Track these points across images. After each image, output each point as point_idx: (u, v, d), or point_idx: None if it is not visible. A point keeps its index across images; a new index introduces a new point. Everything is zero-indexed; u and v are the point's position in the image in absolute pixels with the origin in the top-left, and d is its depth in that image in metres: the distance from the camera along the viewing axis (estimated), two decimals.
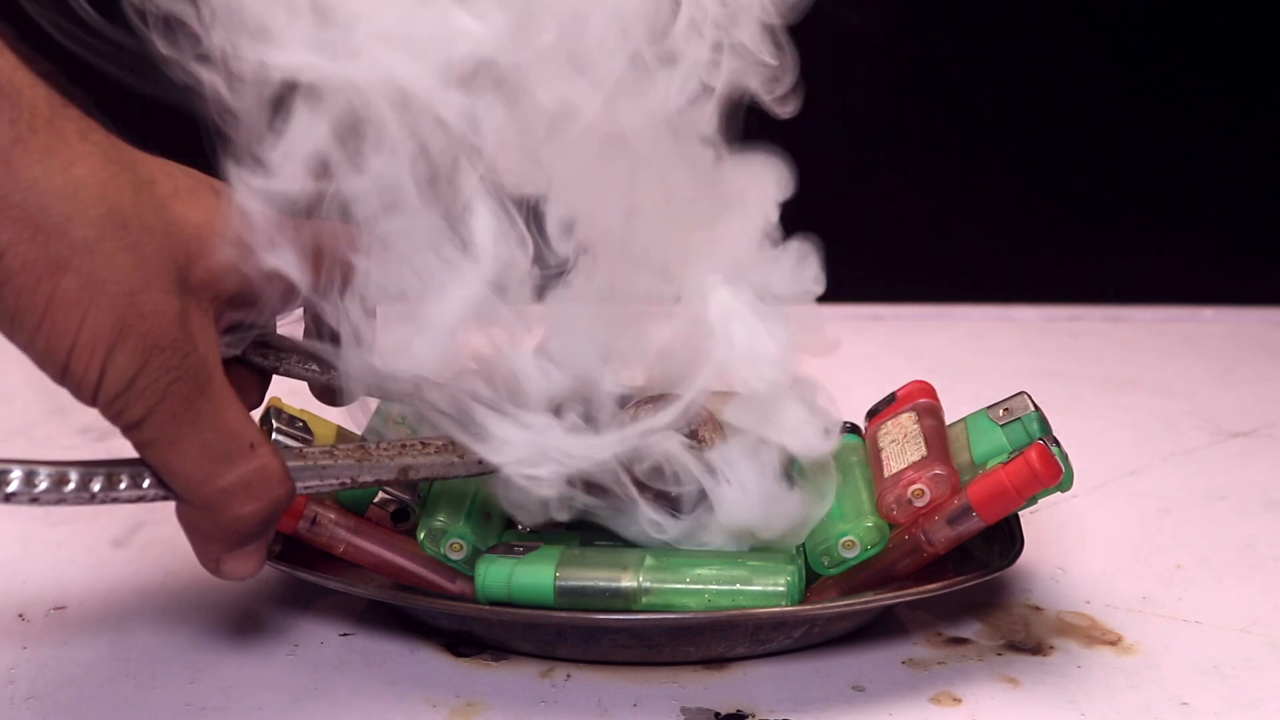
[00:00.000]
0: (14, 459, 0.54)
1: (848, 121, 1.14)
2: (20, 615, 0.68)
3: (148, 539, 0.75)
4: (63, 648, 0.65)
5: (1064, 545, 0.75)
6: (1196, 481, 0.84)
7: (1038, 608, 0.69)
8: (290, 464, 0.58)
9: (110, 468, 0.55)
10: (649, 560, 0.63)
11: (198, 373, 0.54)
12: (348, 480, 0.60)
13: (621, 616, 0.62)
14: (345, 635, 0.66)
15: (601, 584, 0.62)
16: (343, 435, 0.69)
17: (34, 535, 0.76)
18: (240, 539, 0.56)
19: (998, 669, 0.64)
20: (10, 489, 0.54)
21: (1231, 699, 0.62)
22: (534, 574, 0.62)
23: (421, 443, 0.62)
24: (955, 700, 0.62)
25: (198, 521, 0.56)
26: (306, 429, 0.68)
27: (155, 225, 0.53)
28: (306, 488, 0.59)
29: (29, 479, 0.54)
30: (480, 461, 0.62)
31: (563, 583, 0.62)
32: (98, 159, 0.52)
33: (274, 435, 0.67)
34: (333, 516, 0.65)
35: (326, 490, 0.60)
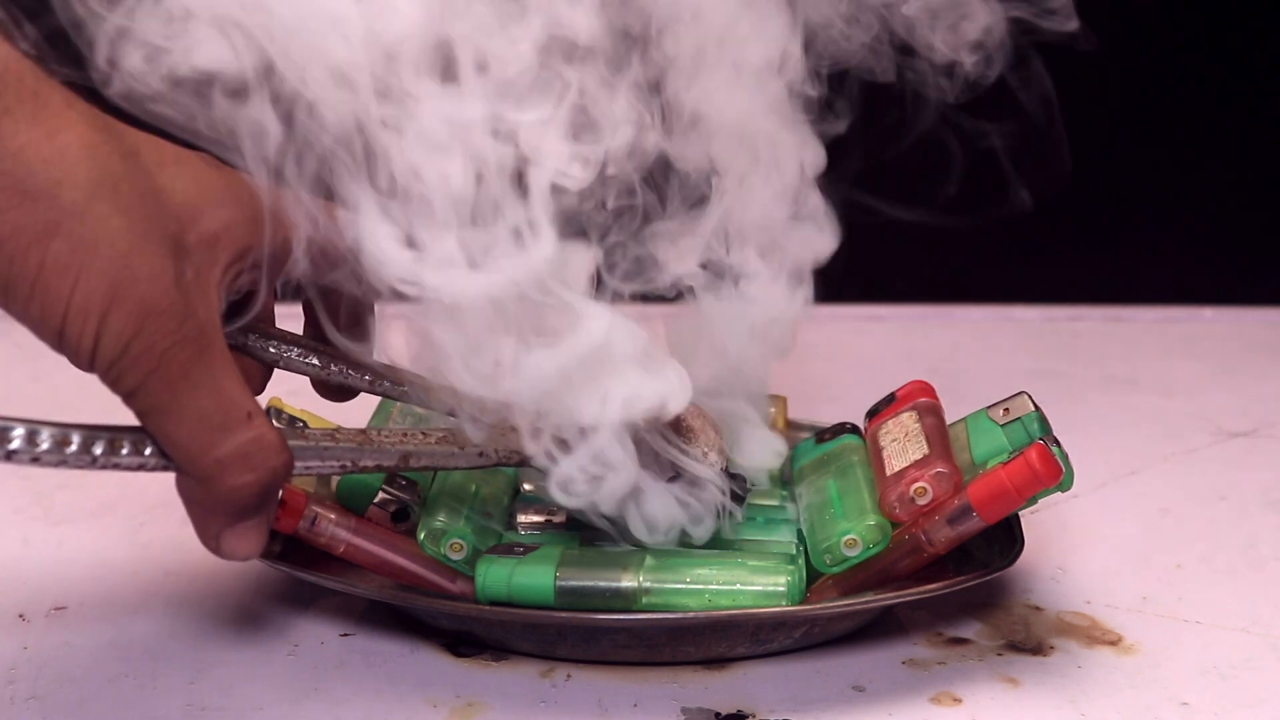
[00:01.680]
0: (17, 417, 0.53)
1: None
2: (20, 615, 0.68)
3: (148, 539, 0.75)
4: (63, 648, 0.65)
5: (1064, 545, 0.75)
6: (1196, 481, 0.84)
7: (1038, 608, 0.69)
8: (292, 443, 0.58)
9: (113, 433, 0.55)
10: (649, 560, 0.63)
11: (195, 339, 0.53)
12: (348, 463, 0.60)
13: (622, 616, 0.62)
14: (345, 635, 0.66)
15: (602, 584, 0.62)
16: None
17: (35, 535, 0.76)
18: (238, 511, 0.56)
19: (998, 669, 0.64)
20: (12, 446, 0.53)
21: (1231, 699, 0.62)
22: (534, 574, 0.62)
23: (423, 433, 0.62)
24: (955, 700, 0.62)
25: (196, 494, 0.56)
26: (307, 428, 0.68)
27: (146, 189, 0.53)
28: (307, 468, 0.59)
29: (31, 438, 0.53)
30: (481, 454, 0.62)
31: (563, 583, 0.62)
32: (84, 126, 0.52)
33: None
34: (333, 517, 0.65)
35: (327, 472, 0.60)
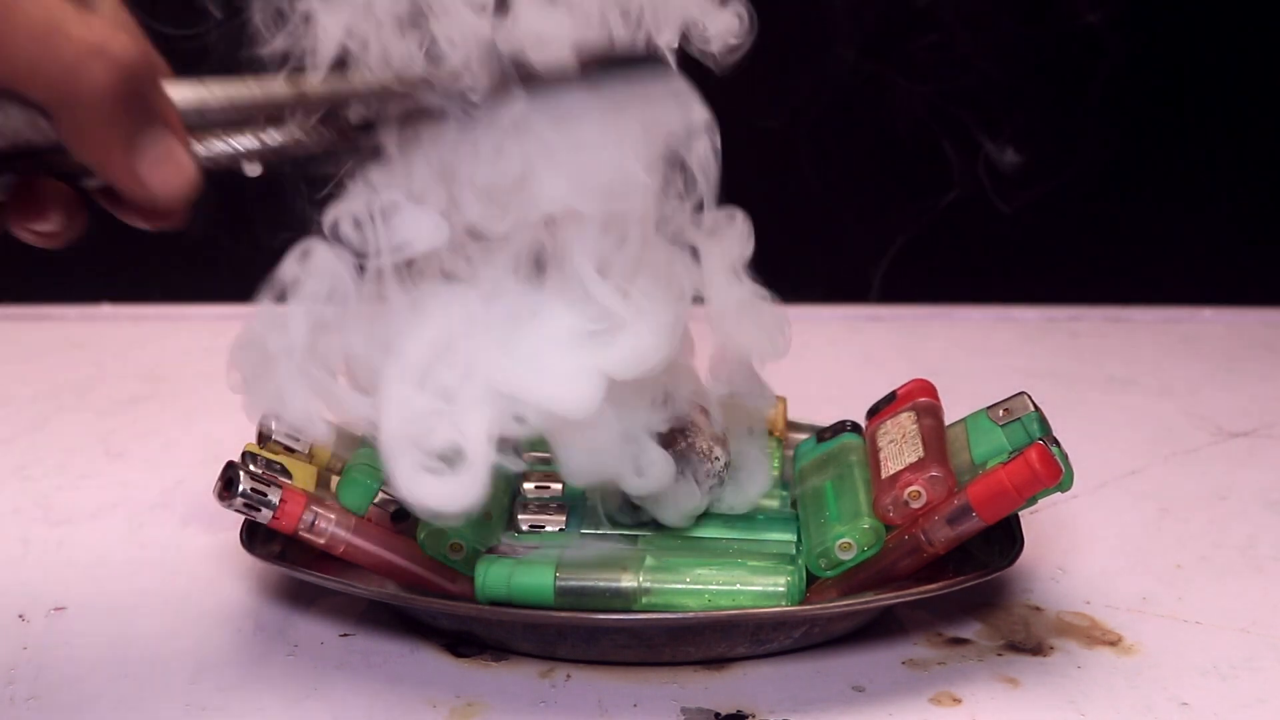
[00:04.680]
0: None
1: (848, 120, 1.14)
2: (20, 615, 0.68)
3: (148, 539, 0.76)
4: (63, 648, 0.65)
5: (1064, 545, 0.75)
6: (1196, 481, 0.84)
7: (1038, 608, 0.69)
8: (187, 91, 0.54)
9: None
10: (649, 560, 0.63)
11: None
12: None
13: (621, 616, 0.62)
14: (345, 635, 0.66)
15: (601, 584, 0.62)
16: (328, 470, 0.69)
17: (35, 535, 0.76)
18: (111, 119, 0.51)
19: (998, 669, 0.64)
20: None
21: (1231, 699, 0.62)
22: (534, 574, 0.62)
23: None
24: (955, 700, 0.62)
25: (65, 119, 0.51)
26: (284, 471, 0.67)
27: None
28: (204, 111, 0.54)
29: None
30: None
31: (563, 583, 0.62)
32: None
33: (250, 481, 0.63)
34: (333, 517, 0.65)
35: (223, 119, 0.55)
